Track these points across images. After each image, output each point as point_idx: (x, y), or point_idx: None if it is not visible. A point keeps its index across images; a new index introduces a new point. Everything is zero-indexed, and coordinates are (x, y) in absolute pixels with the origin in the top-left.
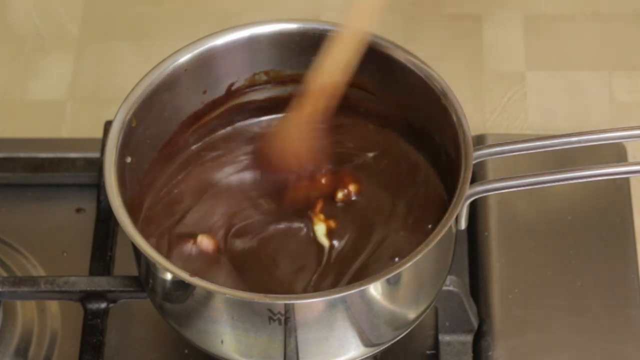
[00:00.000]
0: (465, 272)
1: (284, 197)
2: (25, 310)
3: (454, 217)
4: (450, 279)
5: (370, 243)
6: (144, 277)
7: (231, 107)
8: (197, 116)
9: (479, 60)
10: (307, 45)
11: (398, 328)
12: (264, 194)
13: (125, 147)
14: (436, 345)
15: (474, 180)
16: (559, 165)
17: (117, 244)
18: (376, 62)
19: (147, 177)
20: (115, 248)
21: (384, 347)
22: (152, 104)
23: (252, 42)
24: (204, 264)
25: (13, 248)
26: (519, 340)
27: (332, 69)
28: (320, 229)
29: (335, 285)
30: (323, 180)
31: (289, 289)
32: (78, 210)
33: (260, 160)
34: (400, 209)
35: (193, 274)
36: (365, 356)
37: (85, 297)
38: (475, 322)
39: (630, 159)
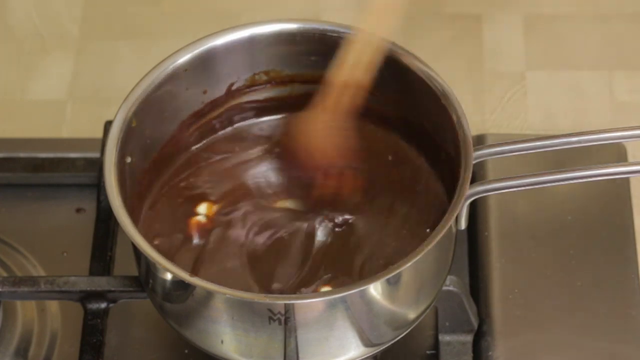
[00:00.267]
0: (465, 272)
1: (286, 195)
2: (25, 310)
3: (454, 217)
4: (450, 279)
5: (370, 243)
6: (144, 277)
7: (231, 107)
8: (197, 116)
9: (479, 60)
10: (307, 45)
11: (398, 328)
12: (265, 193)
13: (125, 147)
14: (436, 345)
15: (474, 180)
16: (559, 165)
17: (117, 244)
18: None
19: (147, 177)
20: (115, 248)
21: (384, 347)
22: (152, 104)
23: (252, 42)
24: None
25: (13, 248)
26: (519, 340)
27: (353, 67)
28: (322, 227)
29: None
30: (324, 180)
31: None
32: (78, 210)
33: (281, 155)
34: (400, 209)
35: (193, 274)
36: (366, 356)
37: (85, 297)
38: (475, 322)
39: (630, 159)
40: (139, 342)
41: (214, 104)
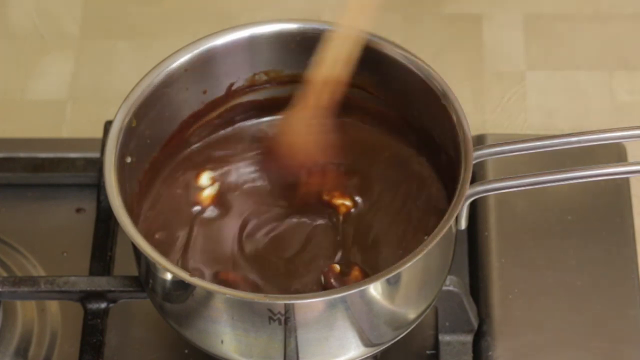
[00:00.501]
0: (465, 272)
1: (289, 193)
2: (25, 310)
3: (454, 217)
4: (450, 279)
5: (370, 242)
6: (144, 277)
7: (231, 107)
8: (197, 116)
9: (479, 60)
10: (307, 45)
11: (398, 328)
12: (266, 193)
13: (125, 147)
14: (436, 345)
15: (474, 180)
16: (559, 165)
17: (117, 244)
18: (376, 62)
19: (147, 177)
20: (115, 248)
21: (384, 347)
22: (152, 104)
23: (252, 42)
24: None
25: (13, 248)
26: (519, 340)
27: (332, 64)
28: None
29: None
30: (324, 179)
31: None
32: (78, 210)
33: (267, 158)
34: (400, 209)
35: (192, 274)
36: (365, 356)
37: (85, 297)
38: (475, 322)
39: (630, 159)
40: (139, 342)
41: (214, 104)
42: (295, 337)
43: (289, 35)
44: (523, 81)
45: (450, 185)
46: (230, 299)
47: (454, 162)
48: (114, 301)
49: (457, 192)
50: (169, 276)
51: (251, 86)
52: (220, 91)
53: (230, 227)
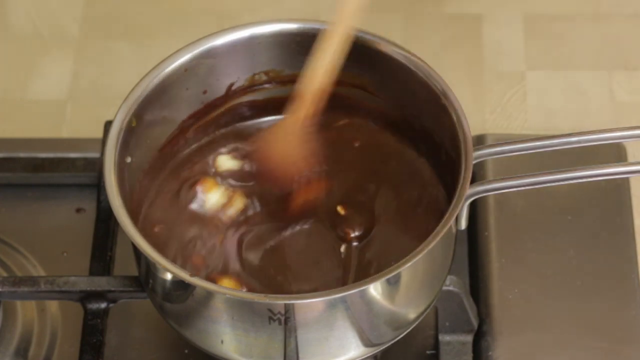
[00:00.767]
0: (465, 272)
1: (287, 201)
2: (25, 310)
3: (454, 217)
4: (450, 279)
5: (370, 242)
6: (144, 277)
7: (231, 107)
8: (197, 116)
9: (479, 60)
10: (307, 45)
11: (398, 328)
12: (268, 194)
13: (125, 147)
14: (436, 345)
15: (474, 180)
16: (558, 165)
17: (117, 244)
18: (376, 62)
19: (147, 177)
20: (115, 248)
21: (384, 347)
22: (152, 104)
23: (252, 42)
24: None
25: (13, 248)
26: (519, 340)
27: (321, 71)
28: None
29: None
30: (322, 182)
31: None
32: (78, 210)
33: (260, 170)
34: (400, 209)
35: (192, 274)
36: (366, 356)
37: (85, 297)
38: (475, 322)
39: (630, 158)
40: (139, 342)
41: (214, 104)
42: (295, 337)
43: (289, 35)
44: (523, 81)
45: (450, 186)
46: (230, 299)
47: (454, 162)
48: (114, 301)
49: (457, 192)
50: (169, 276)
51: (251, 86)
52: (220, 91)
53: (230, 227)
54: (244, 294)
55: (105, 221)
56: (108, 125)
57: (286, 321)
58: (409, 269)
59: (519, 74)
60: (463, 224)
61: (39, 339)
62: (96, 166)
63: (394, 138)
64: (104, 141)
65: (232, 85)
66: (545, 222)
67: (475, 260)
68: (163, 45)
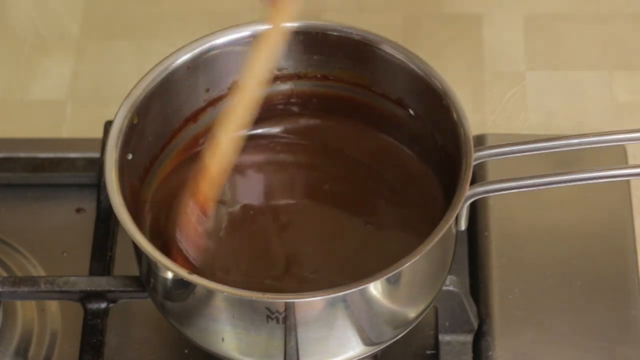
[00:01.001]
0: (465, 272)
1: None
2: (25, 310)
3: (454, 217)
4: (450, 279)
5: (370, 242)
6: (145, 276)
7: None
8: (199, 114)
9: (479, 60)
10: (308, 45)
11: (398, 327)
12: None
13: (125, 146)
14: (436, 345)
15: (474, 181)
16: (559, 166)
17: (117, 244)
18: (376, 61)
19: (148, 175)
20: (115, 248)
21: (383, 346)
22: (154, 101)
23: (253, 41)
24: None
25: (13, 248)
26: (519, 340)
27: (259, 76)
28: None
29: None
30: (322, 182)
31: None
32: (78, 210)
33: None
34: (400, 209)
35: (192, 272)
36: (365, 355)
37: (85, 297)
38: (475, 322)
39: (631, 160)
40: (139, 342)
41: (217, 101)
42: (295, 336)
43: (290, 34)
44: (523, 81)
45: (450, 186)
46: (229, 297)
47: (454, 162)
48: (114, 301)
49: (457, 193)
50: (169, 275)
51: None
52: (223, 89)
53: (229, 227)
54: (242, 292)
55: (105, 221)
56: (108, 125)
57: (285, 320)
58: (409, 269)
59: (519, 74)
60: (463, 225)
61: (39, 339)
62: (96, 166)
63: (394, 138)
64: (104, 141)
65: (234, 83)
66: (545, 222)
67: (475, 260)
68: (163, 45)
